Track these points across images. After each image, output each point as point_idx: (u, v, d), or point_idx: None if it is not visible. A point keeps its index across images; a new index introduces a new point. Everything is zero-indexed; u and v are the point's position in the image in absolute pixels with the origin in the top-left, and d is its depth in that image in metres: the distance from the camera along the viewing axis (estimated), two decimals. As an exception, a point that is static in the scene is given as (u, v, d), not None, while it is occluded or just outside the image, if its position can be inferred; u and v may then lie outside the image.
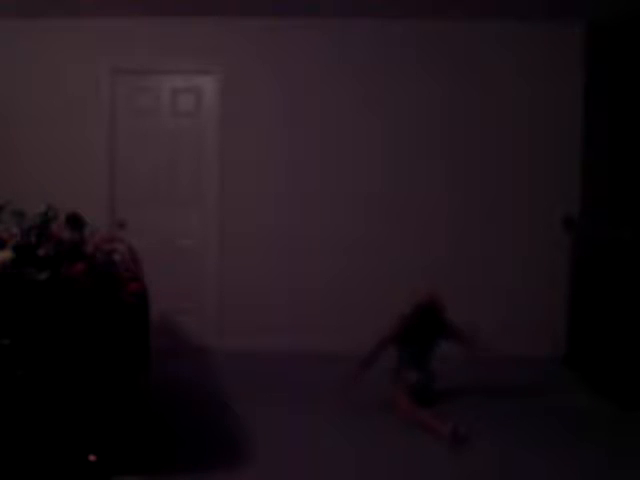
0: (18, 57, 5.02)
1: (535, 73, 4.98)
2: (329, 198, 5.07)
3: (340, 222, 5.07)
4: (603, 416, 3.82)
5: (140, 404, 3.06)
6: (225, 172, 5.07)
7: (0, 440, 2.74)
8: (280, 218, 5.08)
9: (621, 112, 4.45)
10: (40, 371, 2.77)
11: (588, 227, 4.75)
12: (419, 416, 3.59)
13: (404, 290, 5.04)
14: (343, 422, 3.65)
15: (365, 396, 4.03)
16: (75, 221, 3.10)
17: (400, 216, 5.06)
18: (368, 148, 5.04)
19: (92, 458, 2.82)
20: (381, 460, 3.18)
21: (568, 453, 3.28)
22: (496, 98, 5.01)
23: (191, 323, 5.15)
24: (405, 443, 3.37)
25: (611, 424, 3.70)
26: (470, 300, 5.03)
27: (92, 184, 5.04)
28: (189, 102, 5.09)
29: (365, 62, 5.01)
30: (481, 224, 5.06)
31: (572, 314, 4.91)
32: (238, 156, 5.06)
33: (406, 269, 5.07)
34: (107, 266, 3.01)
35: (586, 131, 4.93)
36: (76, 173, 5.04)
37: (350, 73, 5.02)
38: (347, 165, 5.05)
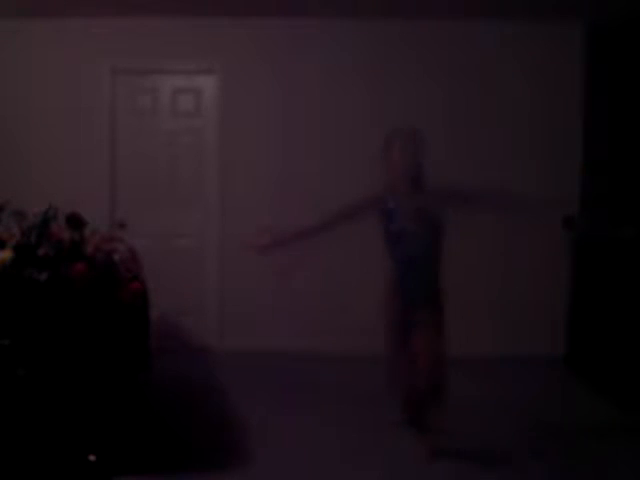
0: (18, 57, 5.01)
1: (535, 73, 4.98)
2: (329, 198, 5.06)
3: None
4: (603, 416, 3.82)
5: (140, 404, 3.06)
6: (225, 172, 5.06)
7: (0, 440, 2.75)
8: (280, 218, 5.07)
9: (621, 112, 4.45)
10: (40, 371, 2.77)
11: (588, 227, 4.75)
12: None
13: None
14: (343, 422, 3.64)
15: (365, 395, 4.03)
16: (75, 221, 3.10)
17: (400, 216, 5.05)
18: (368, 148, 5.03)
19: (92, 458, 2.82)
20: (381, 460, 3.18)
21: (568, 453, 3.28)
22: (496, 98, 5.00)
23: (191, 323, 5.15)
24: (405, 442, 3.37)
25: (611, 424, 3.70)
26: (470, 300, 5.02)
27: (92, 184, 5.04)
28: (189, 102, 5.09)
29: (365, 62, 5.00)
30: (481, 224, 5.05)
31: (572, 314, 4.90)
32: (238, 156, 5.06)
33: (406, 269, 5.06)
34: (107, 266, 3.01)
35: (586, 131, 4.93)
36: (76, 173, 5.04)
37: (350, 73, 5.01)
38: (347, 165, 5.05)
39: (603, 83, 4.70)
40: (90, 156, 5.04)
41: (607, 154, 4.61)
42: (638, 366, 3.95)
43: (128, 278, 3.06)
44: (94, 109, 5.02)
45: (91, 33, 4.98)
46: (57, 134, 5.04)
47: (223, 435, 3.46)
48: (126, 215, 5.09)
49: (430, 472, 3.06)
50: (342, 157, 5.04)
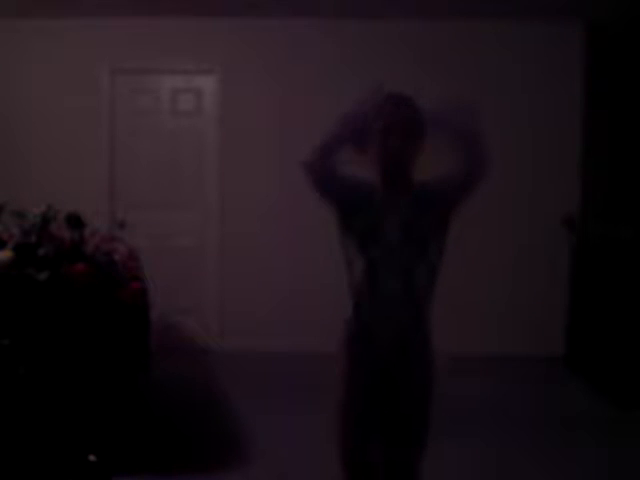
0: (18, 57, 5.01)
1: (535, 73, 4.98)
2: (329, 198, 5.07)
3: (340, 222, 5.06)
4: (603, 416, 3.82)
5: (140, 404, 3.06)
6: (225, 172, 5.06)
7: (0, 439, 2.75)
8: (280, 218, 5.08)
9: (621, 112, 4.46)
10: (40, 371, 2.77)
11: (588, 227, 4.75)
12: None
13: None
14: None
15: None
16: (75, 221, 3.10)
17: (400, 216, 5.05)
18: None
19: (92, 458, 2.82)
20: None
21: (568, 453, 3.28)
22: (496, 98, 5.00)
23: (191, 323, 5.14)
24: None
25: (611, 424, 3.70)
26: (470, 300, 5.02)
27: (92, 184, 5.04)
28: (189, 102, 5.09)
29: (365, 62, 4.99)
30: (481, 224, 5.05)
31: (572, 314, 4.90)
32: (238, 156, 5.06)
33: (406, 269, 5.06)
34: (107, 266, 3.01)
35: (586, 131, 4.93)
36: (76, 173, 5.03)
37: (350, 73, 5.01)
38: (347, 165, 5.04)
39: (603, 83, 4.70)
40: (90, 156, 5.04)
41: (607, 154, 4.61)
42: (637, 366, 3.95)
43: (128, 278, 3.06)
44: (94, 109, 5.02)
45: (91, 33, 4.98)
46: (57, 134, 5.03)
47: (223, 435, 3.46)
48: (126, 215, 5.08)
49: (429, 471, 3.06)
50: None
